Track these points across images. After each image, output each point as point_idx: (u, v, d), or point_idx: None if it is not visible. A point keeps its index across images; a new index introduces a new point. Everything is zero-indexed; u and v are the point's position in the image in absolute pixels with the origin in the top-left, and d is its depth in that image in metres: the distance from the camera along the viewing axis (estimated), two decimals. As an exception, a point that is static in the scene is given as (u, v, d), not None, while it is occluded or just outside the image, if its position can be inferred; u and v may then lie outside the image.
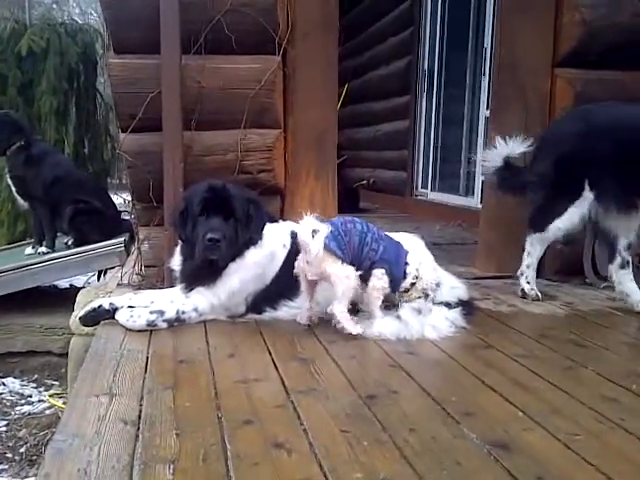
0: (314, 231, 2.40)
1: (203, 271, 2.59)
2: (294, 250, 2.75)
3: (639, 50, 3.62)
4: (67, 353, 3.48)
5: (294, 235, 2.80)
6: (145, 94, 2.89)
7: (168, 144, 2.92)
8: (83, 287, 4.36)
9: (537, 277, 3.77)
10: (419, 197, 6.84)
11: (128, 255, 4.15)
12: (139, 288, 3.08)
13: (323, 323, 2.66)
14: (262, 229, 2.67)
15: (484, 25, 5.62)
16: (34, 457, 3.10)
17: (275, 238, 2.73)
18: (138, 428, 1.65)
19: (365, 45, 8.12)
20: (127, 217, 4.60)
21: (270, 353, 2.27)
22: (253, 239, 2.63)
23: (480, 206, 5.58)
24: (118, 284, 3.18)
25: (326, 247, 2.42)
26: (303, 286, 2.58)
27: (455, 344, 2.47)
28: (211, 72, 2.98)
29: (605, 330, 2.73)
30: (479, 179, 5.82)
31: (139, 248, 3.13)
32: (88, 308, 2.64)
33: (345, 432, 1.65)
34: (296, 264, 2.53)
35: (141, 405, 1.79)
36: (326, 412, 1.77)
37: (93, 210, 4.75)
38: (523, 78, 3.62)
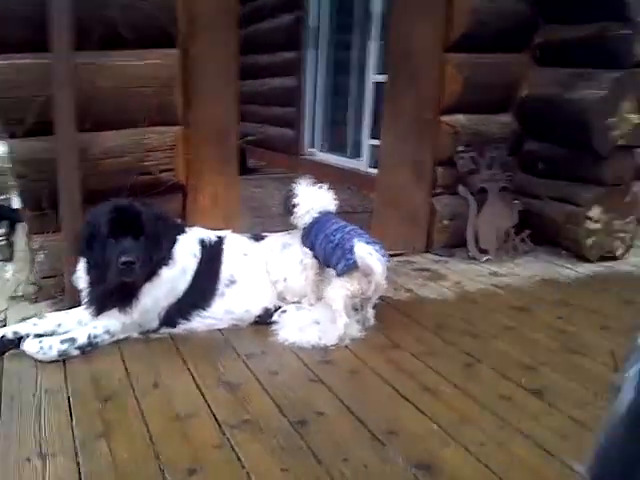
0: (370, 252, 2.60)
1: (116, 294, 2.52)
2: (204, 258, 2.77)
3: (522, 33, 3.87)
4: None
5: (203, 243, 2.80)
6: (34, 97, 2.63)
7: (62, 148, 2.71)
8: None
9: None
10: (308, 157, 6.89)
11: (11, 248, 3.83)
12: (36, 300, 2.93)
13: (240, 333, 2.73)
14: (172, 247, 2.63)
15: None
16: None
17: (185, 250, 2.71)
18: (80, 493, 1.64)
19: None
20: (5, 202, 4.20)
21: (194, 378, 2.30)
22: (165, 259, 2.59)
23: (369, 170, 5.77)
24: (12, 297, 2.97)
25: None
26: (346, 305, 2.66)
27: (365, 346, 2.63)
28: (106, 70, 2.76)
29: (492, 316, 3.02)
30: (367, 142, 5.97)
31: (33, 259, 2.94)
32: (-11, 338, 2.47)
33: (285, 470, 1.76)
34: (356, 288, 2.64)
35: (78, 463, 1.77)
36: (263, 448, 1.86)
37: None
38: (416, 64, 3.73)
